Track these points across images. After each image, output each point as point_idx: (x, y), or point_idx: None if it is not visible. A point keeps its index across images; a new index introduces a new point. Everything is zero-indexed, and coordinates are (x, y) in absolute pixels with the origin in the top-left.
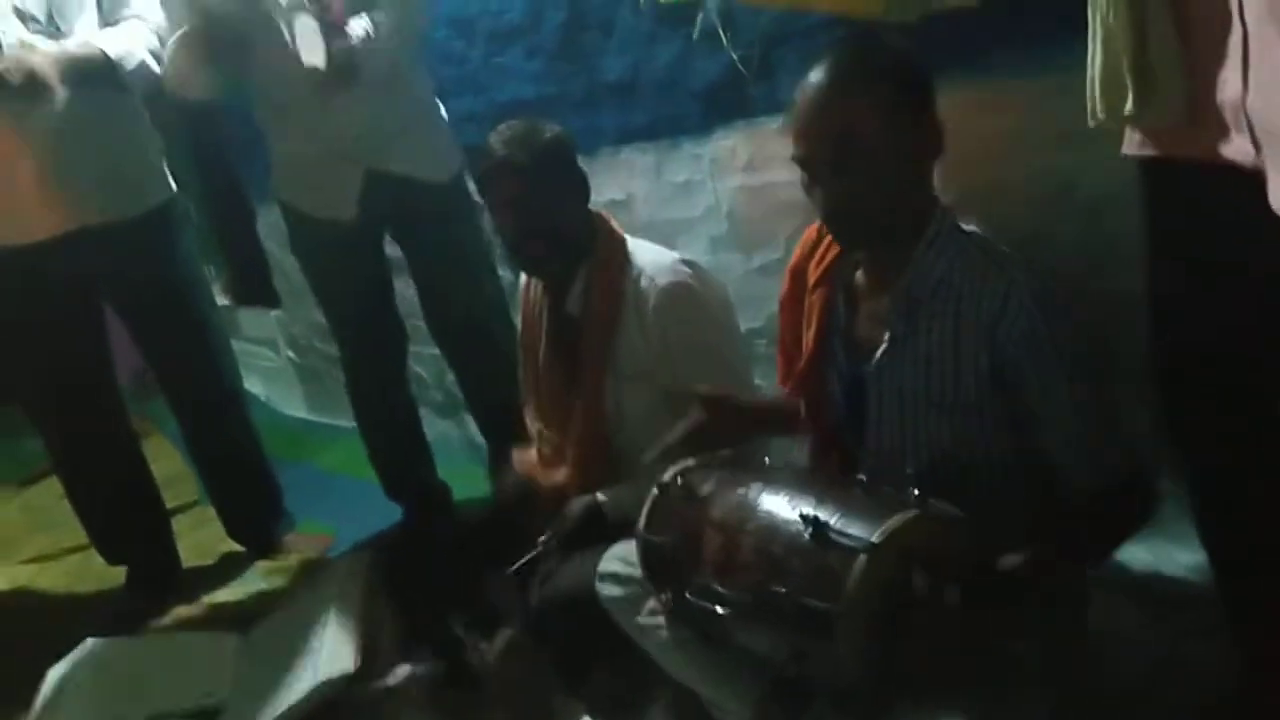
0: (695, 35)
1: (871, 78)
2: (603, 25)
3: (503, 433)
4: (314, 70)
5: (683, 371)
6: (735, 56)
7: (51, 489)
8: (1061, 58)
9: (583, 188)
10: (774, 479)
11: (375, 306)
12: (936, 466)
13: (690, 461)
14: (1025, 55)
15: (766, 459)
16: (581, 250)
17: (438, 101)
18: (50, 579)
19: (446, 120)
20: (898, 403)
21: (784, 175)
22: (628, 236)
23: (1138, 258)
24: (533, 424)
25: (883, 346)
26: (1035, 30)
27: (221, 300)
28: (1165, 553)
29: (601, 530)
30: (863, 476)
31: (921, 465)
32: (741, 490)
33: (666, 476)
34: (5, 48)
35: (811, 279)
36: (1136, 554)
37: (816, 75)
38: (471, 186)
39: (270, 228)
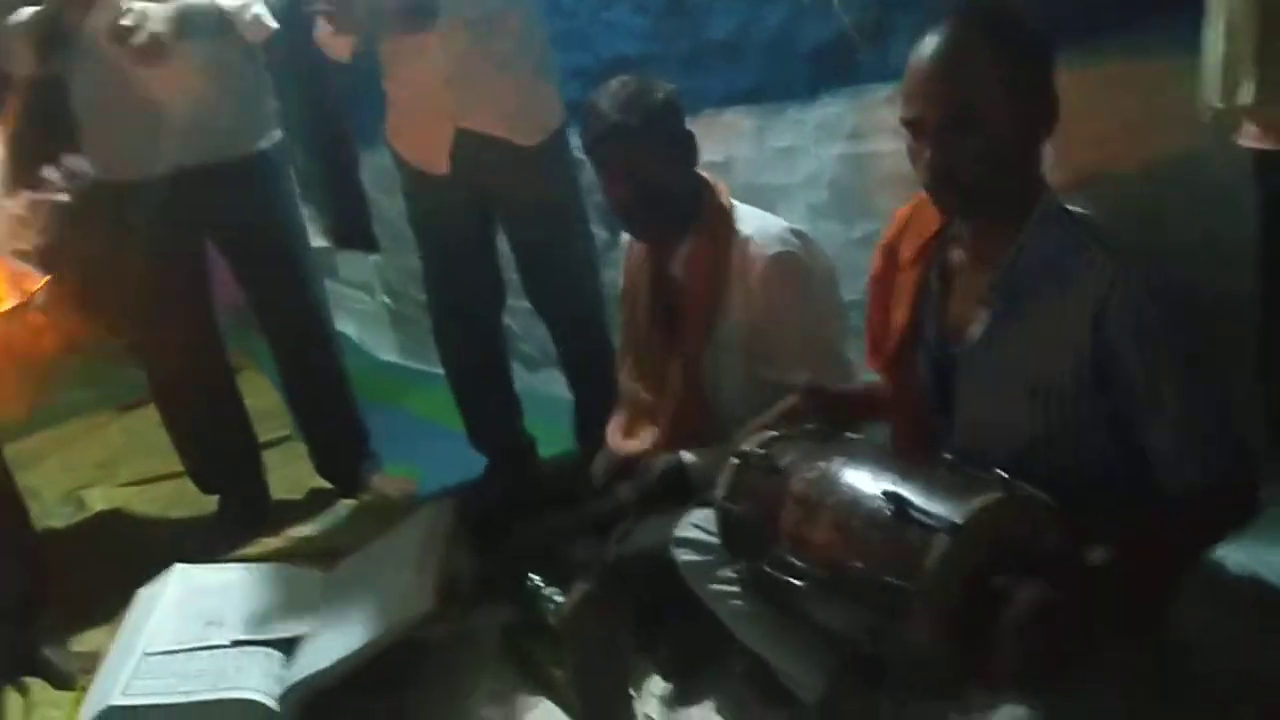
0: None
1: (993, 41)
2: None
3: (592, 388)
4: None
5: (782, 342)
6: (846, 20)
7: (151, 415)
8: (1184, 38)
9: (691, 150)
10: (857, 454)
11: (471, 258)
12: (1027, 454)
13: (773, 432)
14: (1147, 34)
15: (850, 434)
16: (688, 213)
17: (546, 57)
18: (146, 503)
19: (555, 77)
20: (992, 385)
21: (889, 145)
22: (735, 202)
23: (1253, 252)
24: (628, 383)
25: (982, 326)
26: (1159, 8)
27: (321, 242)
28: (1262, 556)
29: (683, 489)
30: (948, 456)
31: (1011, 452)
32: (823, 464)
33: (747, 446)
34: None
35: (904, 257)
36: (1233, 556)
37: (935, 35)
38: (574, 142)
39: (374, 173)
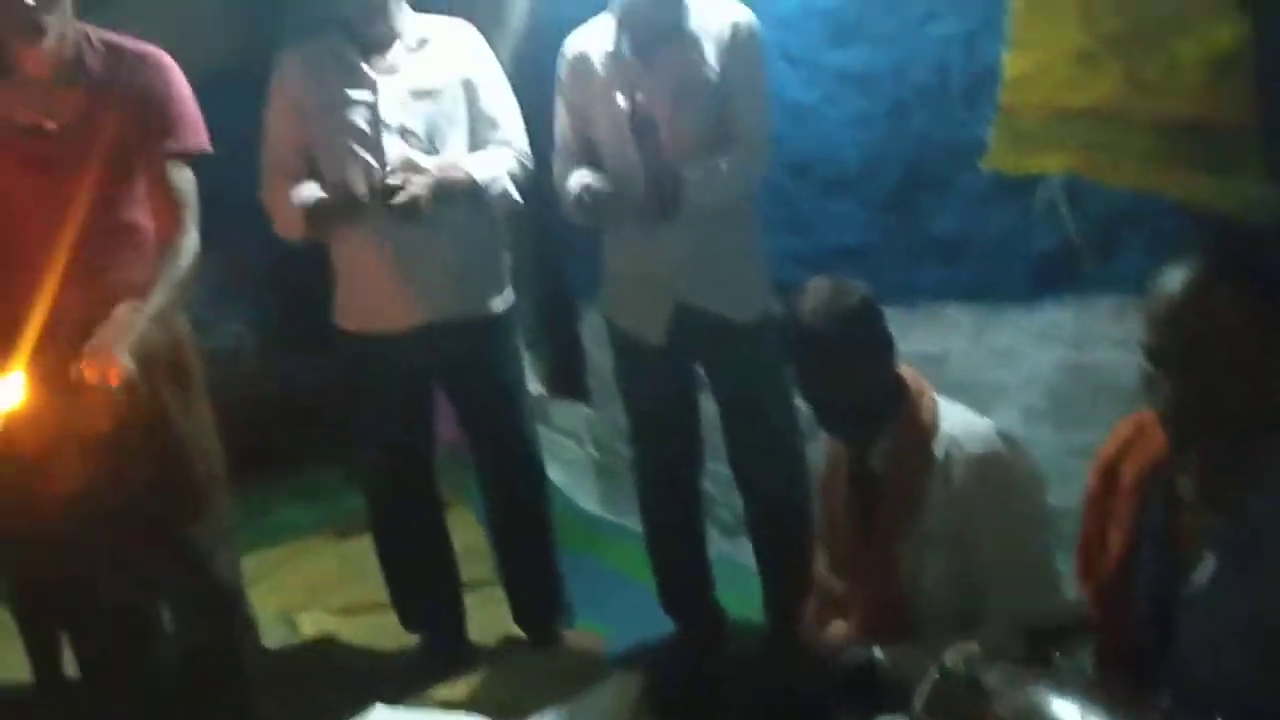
0: (1037, 206)
1: (1242, 276)
2: (938, 185)
3: (785, 563)
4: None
5: (985, 548)
6: (1073, 230)
7: (368, 544)
8: None
9: (888, 350)
10: (1064, 685)
11: (677, 422)
12: (1256, 713)
13: (974, 645)
14: None
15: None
16: (886, 410)
17: (757, 238)
18: (353, 632)
19: (762, 258)
20: (1219, 633)
21: (1111, 355)
22: (939, 398)
23: None
24: (824, 572)
25: (1208, 571)
26: None
27: (537, 389)
28: None
29: (873, 685)
30: (1164, 705)
31: (1238, 709)
32: (1029, 690)
33: (949, 661)
34: (389, 162)
35: (1125, 481)
36: None
37: (1184, 265)
38: None
39: (592, 327)
